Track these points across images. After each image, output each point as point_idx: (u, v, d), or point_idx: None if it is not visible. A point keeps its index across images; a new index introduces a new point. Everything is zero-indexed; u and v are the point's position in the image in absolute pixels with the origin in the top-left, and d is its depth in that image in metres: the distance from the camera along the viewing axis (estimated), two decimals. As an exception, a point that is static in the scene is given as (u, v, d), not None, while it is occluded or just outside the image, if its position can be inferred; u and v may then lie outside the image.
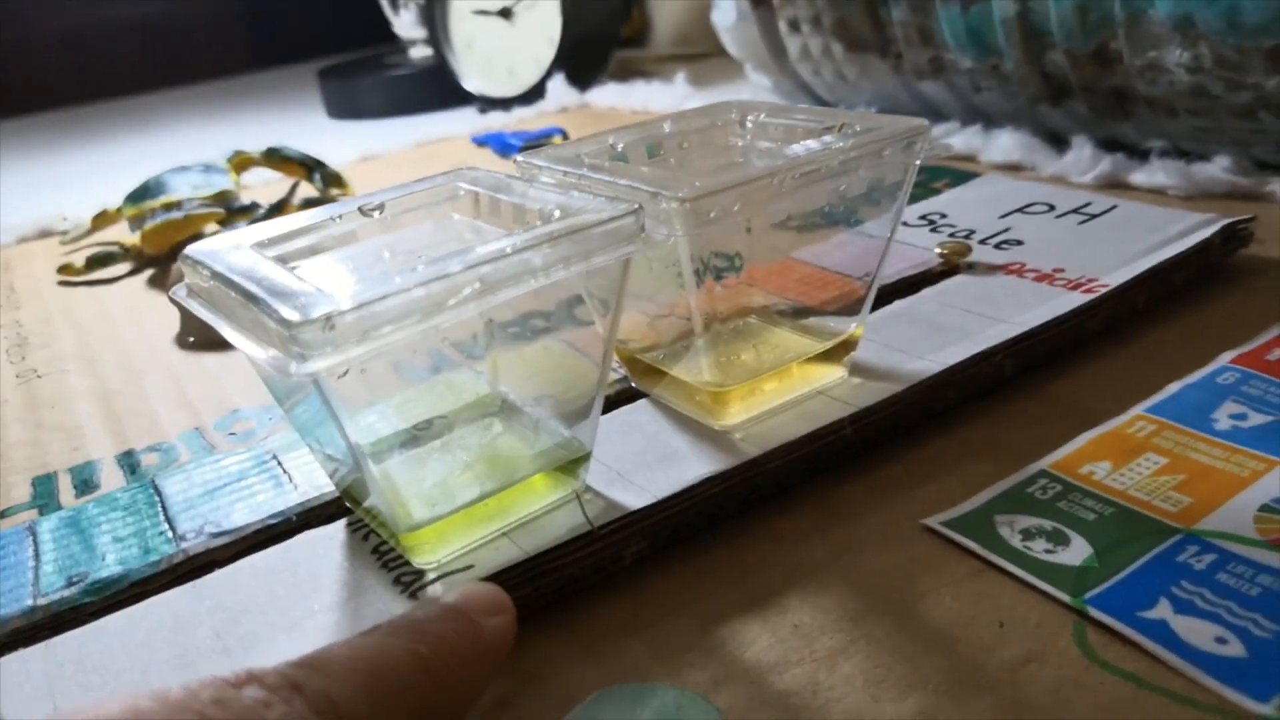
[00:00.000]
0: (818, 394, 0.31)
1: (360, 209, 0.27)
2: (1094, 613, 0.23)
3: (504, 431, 0.28)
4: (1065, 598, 0.24)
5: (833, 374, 0.32)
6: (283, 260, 0.24)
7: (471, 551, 0.25)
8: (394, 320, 0.20)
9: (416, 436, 0.26)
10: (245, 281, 0.21)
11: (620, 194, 0.26)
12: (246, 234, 0.25)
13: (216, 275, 0.22)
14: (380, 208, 0.27)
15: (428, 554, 0.25)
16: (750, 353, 0.31)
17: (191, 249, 0.24)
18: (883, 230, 0.31)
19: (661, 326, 0.31)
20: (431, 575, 0.25)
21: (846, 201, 0.29)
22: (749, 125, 0.33)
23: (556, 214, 0.24)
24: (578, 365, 0.26)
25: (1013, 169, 0.54)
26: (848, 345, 0.32)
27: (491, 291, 0.21)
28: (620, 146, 0.32)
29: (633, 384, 0.34)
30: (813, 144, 0.28)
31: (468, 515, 0.25)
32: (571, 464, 0.27)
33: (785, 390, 0.31)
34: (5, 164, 1.12)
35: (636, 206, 0.24)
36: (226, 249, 0.24)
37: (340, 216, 0.26)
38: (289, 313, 0.19)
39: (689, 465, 0.28)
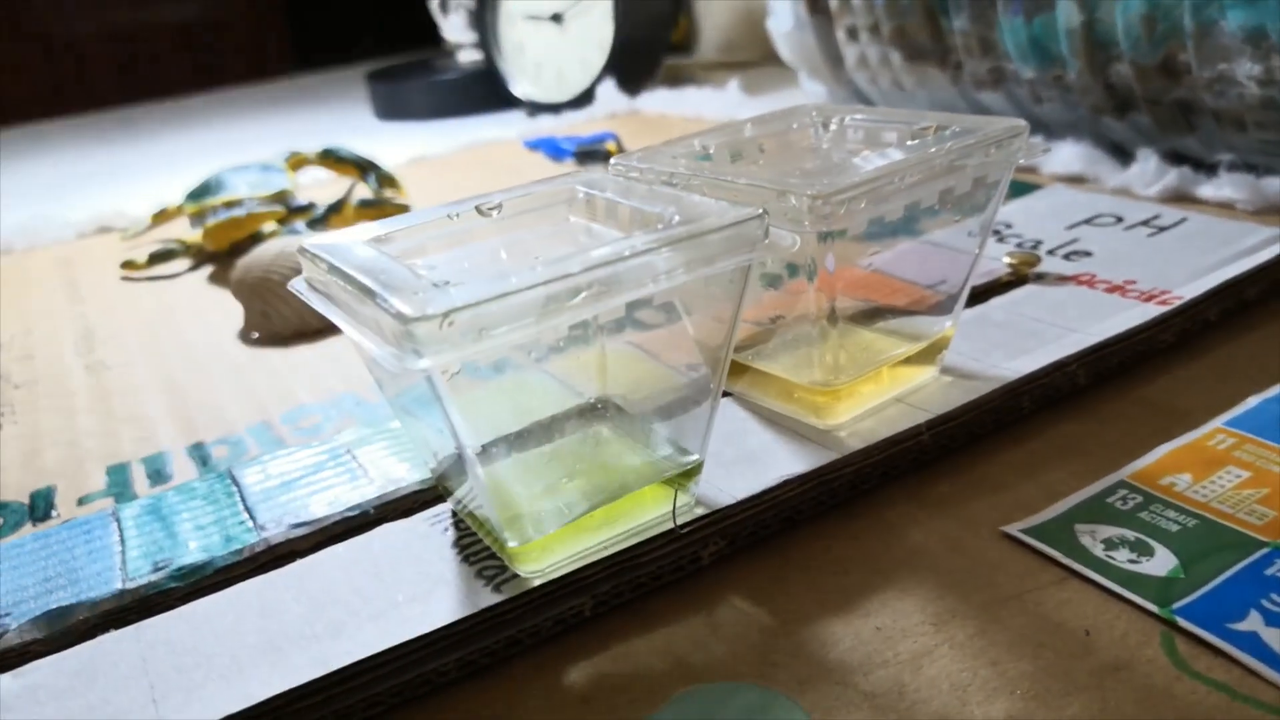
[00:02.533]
0: (906, 396, 0.31)
1: (478, 208, 0.27)
2: (1184, 623, 0.23)
3: (612, 439, 0.28)
4: (1153, 607, 0.23)
5: (924, 374, 0.32)
6: (400, 256, 0.24)
7: (575, 560, 0.25)
8: (511, 319, 0.20)
9: (524, 441, 0.26)
10: (362, 276, 0.21)
11: (741, 193, 0.26)
12: (363, 230, 0.25)
13: (334, 269, 0.23)
14: (498, 207, 0.27)
15: (533, 563, 0.25)
16: (844, 354, 0.31)
17: (309, 243, 0.24)
18: (978, 231, 0.31)
19: (760, 321, 0.31)
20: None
21: (950, 200, 0.29)
22: (831, 128, 0.33)
23: (676, 218, 0.24)
24: (689, 371, 0.26)
25: (1075, 180, 0.53)
26: (940, 345, 0.32)
27: (610, 294, 0.21)
28: (710, 148, 0.32)
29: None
30: (914, 144, 0.28)
31: (575, 526, 0.25)
32: (682, 475, 0.27)
33: (881, 391, 0.31)
34: (61, 161, 1.14)
35: (761, 211, 0.23)
36: (345, 244, 0.24)
37: (457, 215, 0.26)
38: (406, 308, 0.19)
39: (767, 467, 0.28)
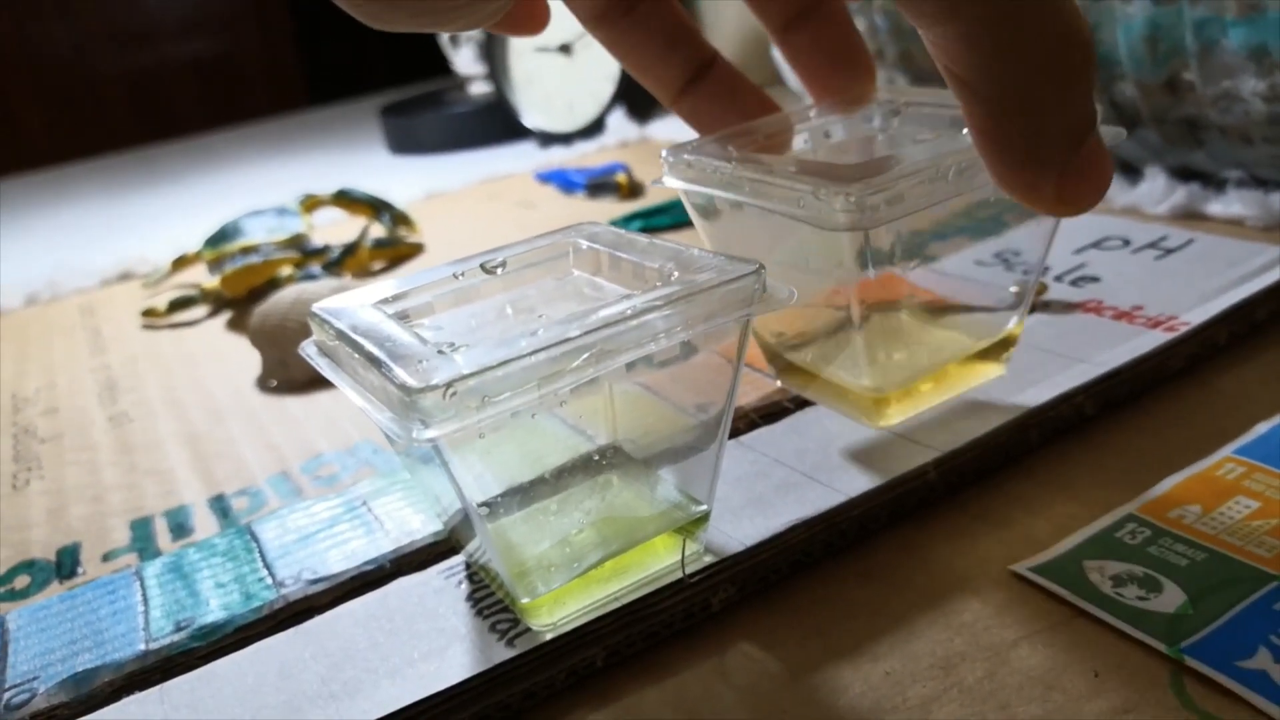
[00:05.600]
0: (971, 390, 0.31)
1: (482, 266, 0.27)
2: (1191, 662, 0.23)
3: (622, 490, 0.28)
4: (1161, 646, 0.23)
5: (992, 372, 0.32)
6: (406, 317, 0.25)
7: (586, 612, 0.26)
8: (514, 386, 0.21)
9: (532, 493, 0.27)
10: (368, 342, 0.22)
11: (778, 190, 0.26)
12: (372, 290, 0.26)
13: (341, 335, 0.23)
14: (503, 264, 0.27)
15: (545, 617, 0.25)
16: (904, 353, 0.31)
17: (318, 306, 0.25)
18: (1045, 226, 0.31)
19: (812, 320, 0.31)
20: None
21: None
22: (898, 116, 0.33)
23: (675, 274, 0.24)
24: (699, 412, 0.27)
25: (1082, 200, 0.53)
26: (1007, 342, 0.32)
27: (610, 356, 0.22)
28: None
29: (778, 383, 0.34)
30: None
31: (585, 579, 0.25)
32: (691, 525, 0.27)
33: (943, 391, 0.31)
34: (83, 207, 1.16)
35: (757, 267, 0.24)
36: (352, 306, 0.25)
37: (462, 274, 0.27)
38: (410, 379, 0.20)
39: (775, 512, 0.28)
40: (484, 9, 0.21)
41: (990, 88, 0.21)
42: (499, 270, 0.27)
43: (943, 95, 0.32)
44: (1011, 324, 0.31)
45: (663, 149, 0.31)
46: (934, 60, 0.22)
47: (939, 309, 0.32)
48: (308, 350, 0.26)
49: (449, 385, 0.20)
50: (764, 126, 0.31)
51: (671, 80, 0.28)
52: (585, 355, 0.21)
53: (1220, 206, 0.48)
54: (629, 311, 0.22)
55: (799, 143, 0.32)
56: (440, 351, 0.21)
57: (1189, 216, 0.48)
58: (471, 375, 0.20)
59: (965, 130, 0.23)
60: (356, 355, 0.22)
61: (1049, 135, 0.21)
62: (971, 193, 0.28)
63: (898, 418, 0.30)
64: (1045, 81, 0.20)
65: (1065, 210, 0.22)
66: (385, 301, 0.26)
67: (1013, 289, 0.32)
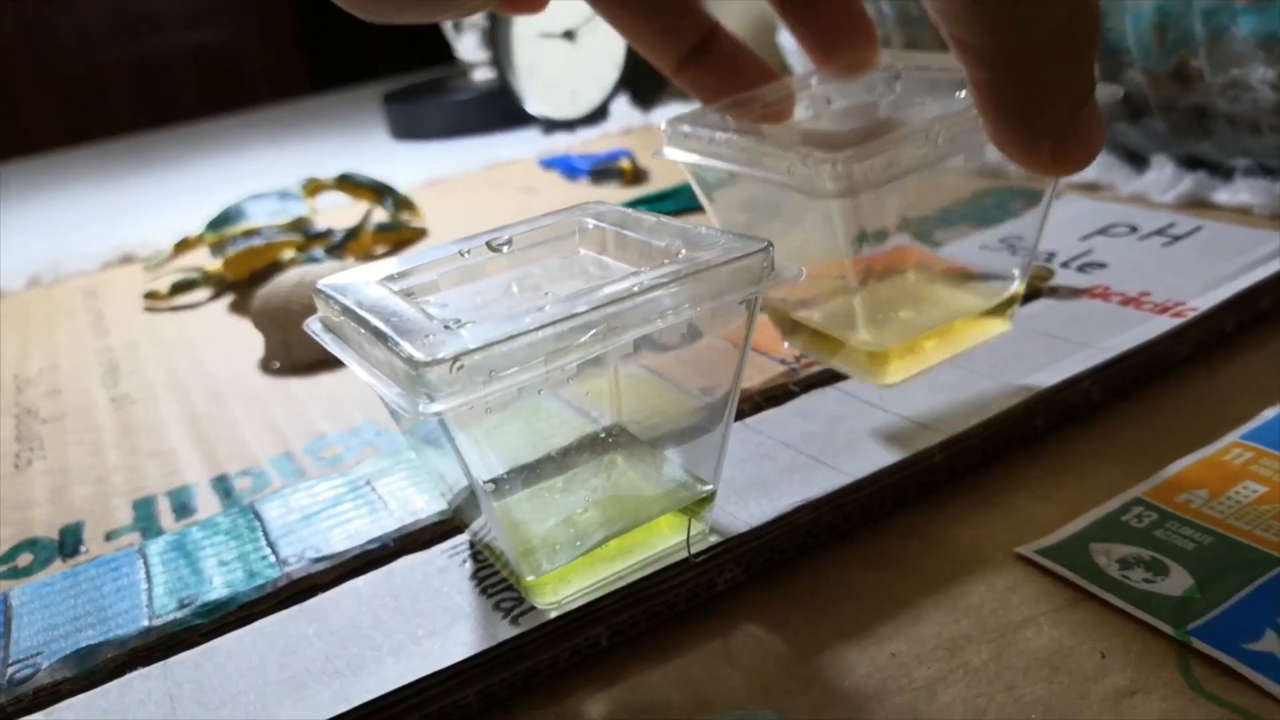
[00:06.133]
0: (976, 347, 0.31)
1: (488, 244, 0.27)
2: (1198, 644, 0.23)
3: (626, 469, 0.28)
4: (1168, 629, 0.23)
5: (997, 328, 0.32)
6: (411, 294, 0.25)
7: (591, 591, 0.26)
8: (520, 361, 0.20)
9: (538, 472, 0.27)
10: (374, 318, 0.22)
11: (768, 157, 0.26)
12: (377, 268, 0.26)
13: (347, 310, 0.23)
14: (508, 242, 0.27)
15: (549, 595, 0.25)
16: (909, 309, 0.31)
17: (324, 282, 0.25)
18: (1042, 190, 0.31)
19: (817, 282, 0.31)
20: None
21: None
22: (900, 81, 0.33)
23: (682, 252, 0.24)
24: (703, 395, 0.26)
25: (1090, 188, 0.53)
26: (1013, 300, 0.32)
27: (617, 332, 0.22)
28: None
29: (785, 344, 0.34)
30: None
31: (590, 557, 0.25)
32: (696, 504, 0.27)
33: (947, 346, 0.31)
34: (85, 191, 1.16)
35: (765, 245, 0.23)
36: (358, 283, 0.25)
37: (469, 251, 0.27)
38: (416, 352, 0.20)
39: (781, 493, 0.28)
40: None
41: (996, 54, 0.21)
42: (505, 248, 0.27)
43: (943, 59, 0.31)
44: (1015, 285, 0.32)
45: (663, 121, 0.31)
46: (937, 25, 0.22)
47: (947, 273, 0.32)
48: (313, 326, 0.25)
49: (456, 359, 0.20)
50: (765, 95, 0.31)
51: (672, 52, 0.28)
52: (592, 331, 0.21)
53: (1228, 195, 0.47)
54: (635, 288, 0.22)
55: (800, 110, 0.32)
56: (446, 327, 0.21)
57: (1196, 205, 0.48)
58: (478, 350, 0.20)
59: (962, 92, 0.23)
60: (363, 330, 0.22)
61: (1052, 102, 0.22)
62: (962, 156, 0.28)
63: (900, 375, 0.30)
64: (1051, 51, 0.21)
65: (1059, 170, 0.23)
66: (390, 279, 0.25)
67: (1016, 263, 0.32)
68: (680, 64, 0.29)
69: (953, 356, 0.31)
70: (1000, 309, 0.32)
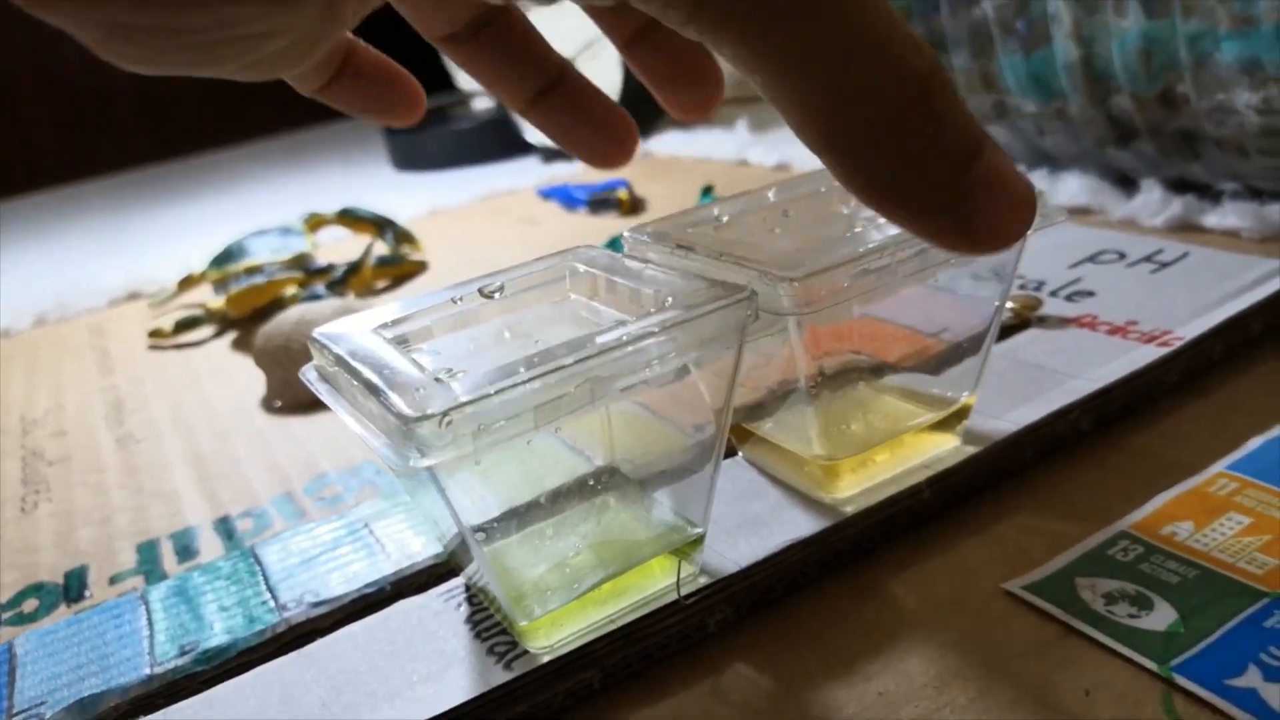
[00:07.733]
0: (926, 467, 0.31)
1: (480, 290, 0.28)
2: (1182, 681, 0.23)
3: (618, 512, 0.29)
4: (1152, 665, 0.24)
5: (946, 443, 0.32)
6: (405, 342, 0.25)
7: (583, 634, 0.26)
8: (510, 413, 0.21)
9: (530, 516, 0.27)
10: (366, 369, 0.22)
11: (726, 273, 0.26)
12: (372, 315, 0.26)
13: (340, 360, 0.24)
14: (500, 288, 0.28)
15: (542, 639, 0.26)
16: (860, 422, 0.31)
17: (319, 331, 0.25)
18: (992, 296, 0.31)
19: (761, 380, 0.31)
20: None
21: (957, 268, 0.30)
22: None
23: (669, 300, 0.25)
24: (695, 432, 0.27)
25: (1081, 212, 0.54)
26: (961, 414, 0.32)
27: (605, 383, 0.22)
28: (725, 217, 0.32)
29: (738, 451, 0.34)
30: None
31: (582, 601, 0.26)
32: (687, 546, 0.27)
33: (898, 461, 0.31)
34: (93, 226, 1.17)
35: (750, 292, 0.24)
36: (352, 332, 0.25)
37: (461, 299, 0.27)
38: (407, 408, 0.20)
39: (771, 532, 0.29)
40: (263, 46, 0.19)
41: (831, 150, 0.18)
42: (497, 295, 0.28)
43: None
44: (965, 395, 0.32)
45: (627, 232, 0.31)
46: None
47: (884, 369, 0.32)
48: (308, 376, 0.26)
49: (445, 414, 0.20)
50: (724, 209, 0.32)
51: (520, 93, 0.28)
52: (580, 382, 0.22)
53: (1216, 218, 0.48)
54: (624, 338, 0.22)
55: (757, 223, 0.32)
56: (437, 379, 0.22)
57: (1185, 228, 0.49)
58: (468, 403, 0.20)
59: None
60: (355, 382, 0.23)
61: (916, 172, 0.18)
62: (921, 272, 0.28)
63: (851, 489, 0.30)
64: (889, 127, 0.17)
65: (984, 246, 0.18)
66: (385, 326, 0.26)
67: (966, 362, 0.32)
68: (528, 105, 0.29)
69: (903, 472, 0.31)
70: (951, 421, 0.32)
